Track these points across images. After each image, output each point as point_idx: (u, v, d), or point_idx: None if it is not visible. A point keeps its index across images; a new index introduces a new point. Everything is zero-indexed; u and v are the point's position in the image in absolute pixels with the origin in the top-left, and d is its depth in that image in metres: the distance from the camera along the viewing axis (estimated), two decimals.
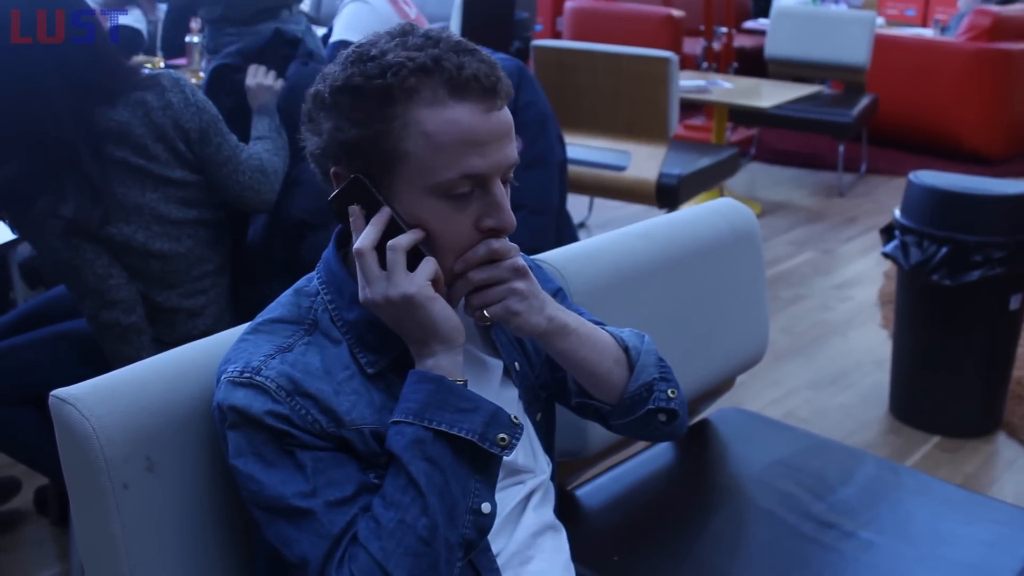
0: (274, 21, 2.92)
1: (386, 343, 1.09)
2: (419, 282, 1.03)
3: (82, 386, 1.11)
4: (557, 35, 7.02)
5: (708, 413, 2.06)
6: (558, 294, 1.30)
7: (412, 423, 1.01)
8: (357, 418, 1.05)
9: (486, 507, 1.04)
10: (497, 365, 1.20)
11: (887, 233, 2.91)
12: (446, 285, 1.08)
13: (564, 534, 1.27)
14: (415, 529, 0.99)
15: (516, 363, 1.23)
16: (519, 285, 1.09)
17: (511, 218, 1.06)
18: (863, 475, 1.84)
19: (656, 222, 1.85)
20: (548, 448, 1.31)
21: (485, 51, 1.07)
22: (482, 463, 1.04)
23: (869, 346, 3.51)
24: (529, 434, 1.23)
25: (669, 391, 1.25)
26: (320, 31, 3.69)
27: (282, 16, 2.97)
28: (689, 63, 6.02)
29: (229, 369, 1.05)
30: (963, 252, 2.68)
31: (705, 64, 5.91)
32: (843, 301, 3.95)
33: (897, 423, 2.98)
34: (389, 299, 1.03)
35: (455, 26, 4.66)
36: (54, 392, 1.11)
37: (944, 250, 2.70)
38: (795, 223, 4.89)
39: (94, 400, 1.09)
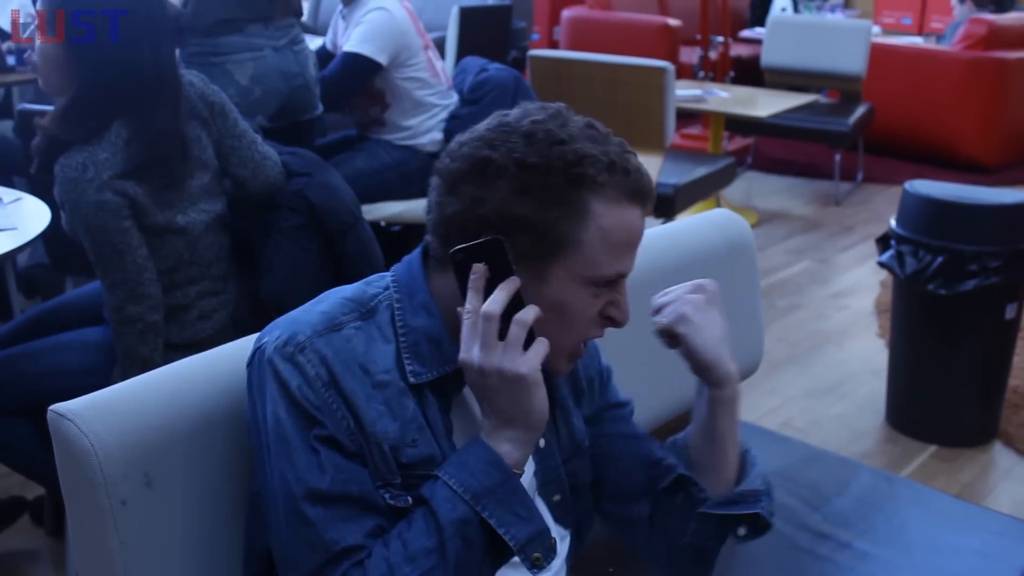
0: (239, 35, 2.86)
1: (438, 359, 1.09)
2: (533, 364, 1.03)
3: (80, 401, 1.11)
4: (554, 45, 7.03)
5: None
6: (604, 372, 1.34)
7: (467, 502, 1.01)
8: (379, 431, 1.05)
9: None
10: None
11: (883, 242, 2.91)
12: (555, 361, 1.09)
13: None
14: None
15: (542, 440, 1.20)
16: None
17: (628, 316, 1.13)
18: (858, 485, 1.84)
19: (651, 233, 1.85)
20: (574, 534, 1.29)
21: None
22: (505, 559, 1.04)
23: (865, 355, 3.52)
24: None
25: (770, 508, 1.21)
26: (316, 42, 3.70)
27: (250, 30, 2.89)
28: (685, 72, 6.03)
29: (275, 334, 1.07)
30: (959, 261, 2.69)
31: (701, 73, 5.92)
32: (839, 310, 3.95)
33: (894, 432, 2.99)
34: (502, 372, 1.02)
35: (452, 36, 4.67)
36: (52, 407, 1.11)
37: (940, 259, 2.71)
38: (791, 232, 4.90)
39: (93, 416, 1.09)
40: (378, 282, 1.13)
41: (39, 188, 2.57)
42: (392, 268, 1.15)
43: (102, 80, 1.87)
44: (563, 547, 1.25)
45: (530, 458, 1.18)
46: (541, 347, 1.04)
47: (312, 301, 1.12)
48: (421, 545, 1.01)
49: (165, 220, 1.93)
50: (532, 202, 1.04)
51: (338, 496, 1.02)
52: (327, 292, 1.13)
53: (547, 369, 1.09)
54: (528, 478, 1.20)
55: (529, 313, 1.03)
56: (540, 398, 1.04)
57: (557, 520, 1.24)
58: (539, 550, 1.02)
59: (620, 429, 1.32)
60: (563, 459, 1.25)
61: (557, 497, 1.24)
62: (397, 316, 1.10)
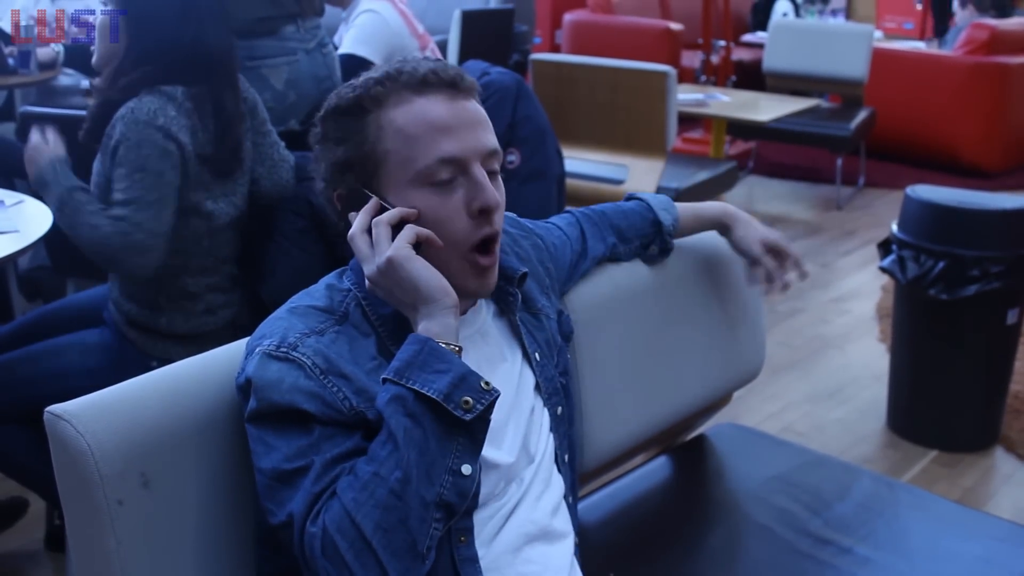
0: (274, 38, 2.86)
1: None
2: (397, 245, 1.08)
3: (77, 402, 1.11)
4: (556, 48, 7.04)
5: (705, 429, 2.06)
6: (541, 247, 1.43)
7: (394, 381, 1.04)
8: None
9: (466, 469, 1.04)
10: (516, 353, 1.26)
11: (884, 247, 2.91)
12: (462, 279, 1.13)
13: (564, 543, 1.26)
14: (388, 482, 1.00)
15: (536, 353, 1.28)
16: None
17: (495, 195, 1.13)
18: (859, 491, 1.84)
19: None
20: (569, 443, 1.34)
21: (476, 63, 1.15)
22: (464, 425, 1.03)
23: (867, 360, 3.51)
24: (542, 424, 1.26)
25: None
26: None
27: (284, 32, 2.90)
28: (687, 76, 6.02)
29: (265, 343, 1.09)
30: (960, 266, 2.68)
31: (703, 77, 5.92)
32: (841, 315, 3.95)
33: (895, 437, 2.98)
34: (379, 268, 1.09)
35: (454, 39, 4.68)
36: (49, 408, 1.11)
37: (941, 264, 2.71)
38: (793, 236, 4.89)
39: (89, 416, 1.09)
40: (339, 285, 1.18)
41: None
42: (345, 272, 1.21)
43: (144, 41, 1.93)
44: (550, 447, 1.28)
45: (530, 371, 1.27)
46: (406, 231, 1.09)
47: (284, 310, 1.15)
48: (377, 442, 1.03)
49: (196, 200, 1.95)
50: (339, 147, 1.15)
51: (326, 447, 1.05)
52: (293, 302, 1.16)
53: (469, 291, 1.15)
54: (530, 392, 1.26)
55: (386, 214, 1.11)
56: (419, 268, 1.08)
57: (554, 430, 1.29)
58: (465, 394, 1.02)
59: (591, 233, 1.56)
60: (555, 367, 1.31)
61: (560, 409, 1.31)
62: (369, 311, 1.14)
